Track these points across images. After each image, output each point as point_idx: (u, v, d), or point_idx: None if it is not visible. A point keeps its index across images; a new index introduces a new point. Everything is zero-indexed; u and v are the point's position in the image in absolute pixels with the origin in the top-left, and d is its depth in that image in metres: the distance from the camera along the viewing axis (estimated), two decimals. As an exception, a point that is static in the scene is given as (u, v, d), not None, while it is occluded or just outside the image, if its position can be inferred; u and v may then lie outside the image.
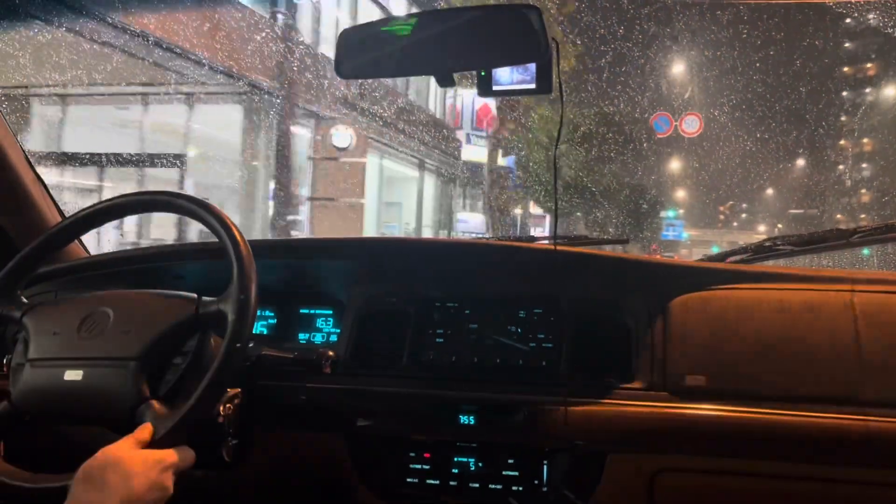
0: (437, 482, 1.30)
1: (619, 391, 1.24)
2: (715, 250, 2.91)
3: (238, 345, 1.03)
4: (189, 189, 9.91)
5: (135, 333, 1.10)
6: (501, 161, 20.27)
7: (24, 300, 1.21)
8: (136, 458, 0.94)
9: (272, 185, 11.27)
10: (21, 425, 1.13)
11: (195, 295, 1.13)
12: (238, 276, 1.06)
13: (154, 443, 0.98)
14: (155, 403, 1.04)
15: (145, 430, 0.99)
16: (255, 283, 1.07)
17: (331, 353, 1.33)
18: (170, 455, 0.98)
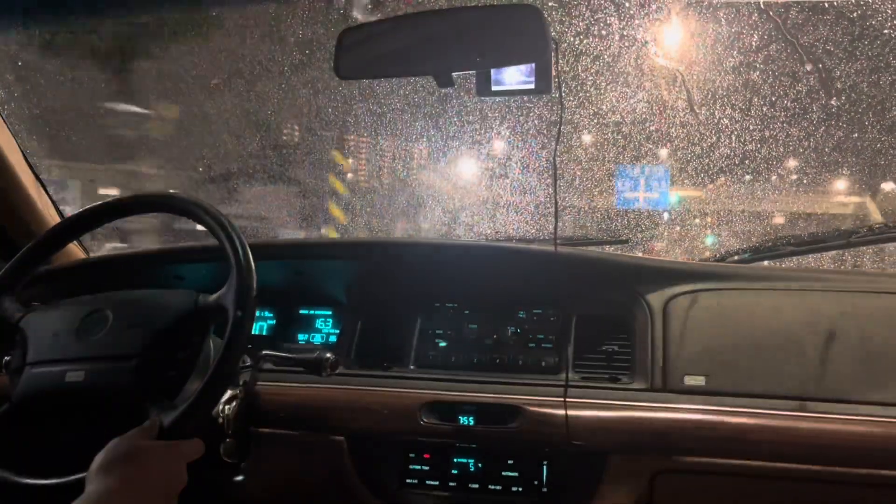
0: (437, 483, 1.30)
1: (619, 392, 1.24)
2: (710, 241, 2.81)
3: (240, 337, 1.03)
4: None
5: (135, 331, 1.09)
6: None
7: (20, 305, 1.20)
8: (149, 448, 0.94)
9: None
10: (23, 427, 1.12)
11: (194, 291, 1.13)
12: (237, 269, 1.06)
13: (162, 435, 0.98)
14: (159, 400, 1.04)
15: (152, 424, 0.99)
16: (254, 275, 1.07)
17: (330, 353, 1.33)
18: (180, 445, 0.98)
